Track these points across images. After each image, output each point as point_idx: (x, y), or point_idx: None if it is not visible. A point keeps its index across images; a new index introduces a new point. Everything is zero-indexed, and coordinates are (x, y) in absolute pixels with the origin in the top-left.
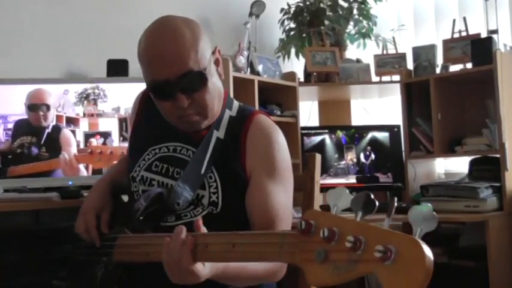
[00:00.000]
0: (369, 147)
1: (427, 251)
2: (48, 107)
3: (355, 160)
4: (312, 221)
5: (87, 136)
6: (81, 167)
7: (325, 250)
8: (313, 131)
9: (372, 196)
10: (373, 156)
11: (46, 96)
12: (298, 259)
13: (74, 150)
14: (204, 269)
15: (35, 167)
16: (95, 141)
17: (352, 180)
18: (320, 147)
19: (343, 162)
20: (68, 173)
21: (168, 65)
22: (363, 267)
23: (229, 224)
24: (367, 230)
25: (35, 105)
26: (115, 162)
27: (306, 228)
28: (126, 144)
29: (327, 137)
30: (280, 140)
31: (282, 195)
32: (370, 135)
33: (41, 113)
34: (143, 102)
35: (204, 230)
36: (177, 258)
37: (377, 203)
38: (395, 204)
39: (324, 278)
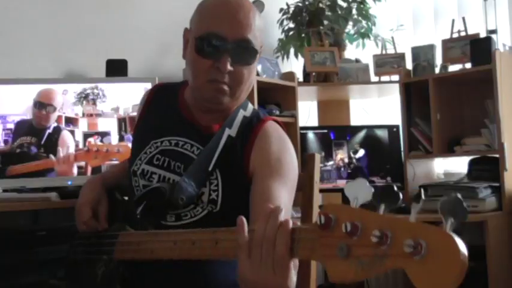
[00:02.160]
0: (357, 144)
1: (461, 245)
2: (54, 109)
3: (346, 160)
4: (332, 215)
5: (86, 136)
6: (75, 166)
7: (348, 245)
8: (312, 131)
9: (396, 188)
10: (362, 151)
11: (55, 97)
12: (319, 255)
13: (71, 151)
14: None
15: (32, 166)
16: (93, 141)
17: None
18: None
19: (331, 163)
20: (62, 172)
21: (234, 23)
22: (391, 263)
23: (230, 224)
24: (393, 223)
25: (42, 104)
26: (112, 160)
27: (325, 222)
28: (123, 143)
29: (309, 132)
30: (290, 146)
31: (284, 193)
32: (364, 131)
33: (44, 113)
34: (151, 97)
35: None
36: (272, 241)
37: (401, 196)
38: (423, 197)
39: (347, 274)
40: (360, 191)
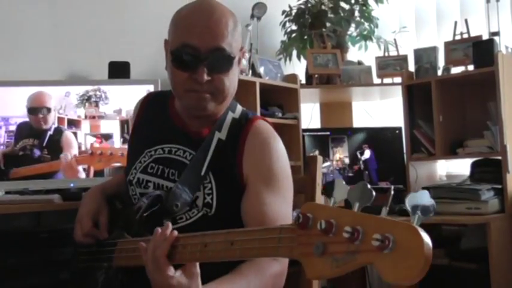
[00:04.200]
0: (365, 145)
1: (426, 238)
2: (48, 110)
3: (347, 161)
4: (309, 214)
5: (89, 138)
6: (81, 169)
7: (323, 243)
8: (314, 133)
9: (369, 186)
10: (368, 153)
11: (46, 99)
12: (297, 253)
13: (75, 152)
14: (181, 278)
15: (37, 169)
16: (97, 144)
17: None
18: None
19: (327, 164)
20: (67, 175)
21: (206, 33)
22: (362, 258)
23: (225, 227)
24: (364, 219)
25: (35, 109)
26: (115, 164)
27: (303, 221)
28: (126, 146)
29: (311, 133)
30: (279, 147)
31: (280, 205)
32: (367, 133)
33: (41, 116)
34: (143, 107)
35: None
36: (153, 248)
37: (374, 193)
38: (392, 192)
39: (323, 271)
40: (337, 190)
